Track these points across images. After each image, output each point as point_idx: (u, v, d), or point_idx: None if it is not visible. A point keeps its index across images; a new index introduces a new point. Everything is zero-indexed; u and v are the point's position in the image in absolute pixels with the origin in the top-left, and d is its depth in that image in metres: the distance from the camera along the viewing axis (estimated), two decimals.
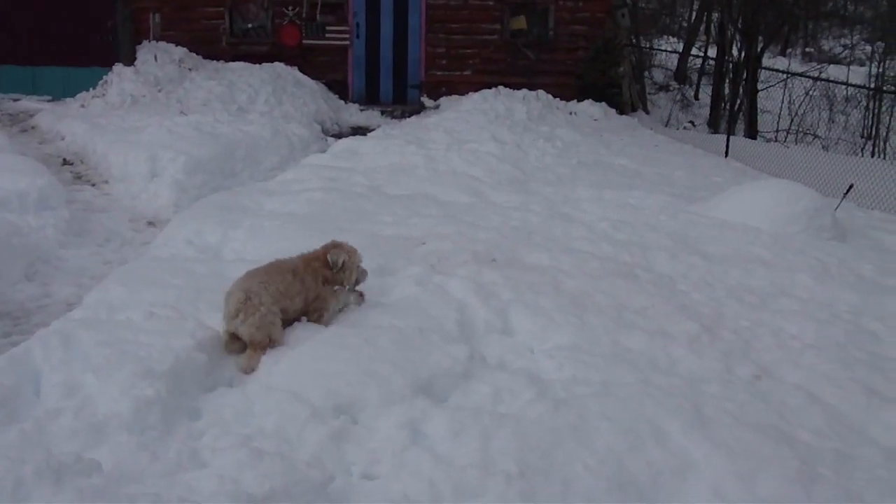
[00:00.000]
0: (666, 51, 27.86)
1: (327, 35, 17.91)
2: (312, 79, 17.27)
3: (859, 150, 21.52)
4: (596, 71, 17.73)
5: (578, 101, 17.32)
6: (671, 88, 26.42)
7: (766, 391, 5.07)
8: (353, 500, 3.94)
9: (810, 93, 22.56)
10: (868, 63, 28.98)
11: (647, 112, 20.73)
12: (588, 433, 4.33)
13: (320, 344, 5.14)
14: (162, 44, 17.36)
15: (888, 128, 22.36)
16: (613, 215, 9.10)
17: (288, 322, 5.44)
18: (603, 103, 17.32)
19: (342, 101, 17.74)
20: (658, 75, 27.27)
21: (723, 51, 24.21)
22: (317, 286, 5.62)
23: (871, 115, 23.59)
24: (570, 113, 16.81)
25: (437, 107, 17.41)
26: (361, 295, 5.97)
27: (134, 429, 4.22)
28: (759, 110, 23.08)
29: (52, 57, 17.43)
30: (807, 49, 37.18)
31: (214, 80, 16.18)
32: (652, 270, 7.33)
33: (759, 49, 23.71)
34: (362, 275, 5.89)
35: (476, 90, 17.14)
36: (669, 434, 4.39)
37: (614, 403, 4.65)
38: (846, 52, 32.78)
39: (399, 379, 4.75)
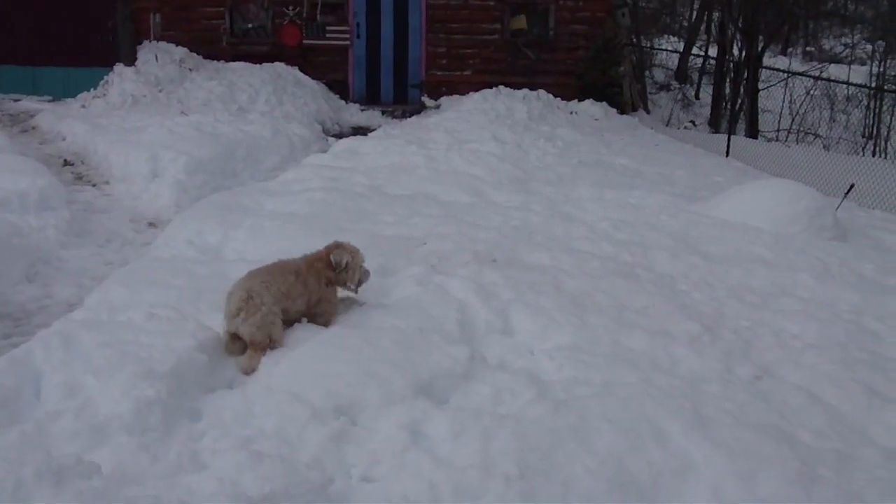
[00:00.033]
0: (666, 50, 27.84)
1: (328, 35, 17.90)
2: (313, 79, 17.27)
3: (860, 149, 21.52)
4: (596, 70, 17.73)
5: (579, 100, 17.32)
6: (672, 88, 26.41)
7: (766, 391, 5.07)
8: (353, 502, 3.94)
9: (811, 92, 22.56)
10: (869, 62, 28.96)
11: (648, 111, 20.72)
12: (588, 434, 4.33)
13: (320, 345, 5.14)
14: (162, 44, 17.36)
15: (889, 127, 22.35)
16: (614, 215, 9.09)
17: (289, 323, 5.44)
18: (604, 103, 17.32)
19: (343, 101, 17.74)
20: (659, 75, 27.26)
21: (723, 50, 24.19)
22: (320, 288, 5.62)
23: (872, 115, 23.58)
24: (571, 112, 16.81)
25: (437, 106, 17.41)
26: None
27: (134, 430, 4.22)
28: (759, 110, 23.07)
29: (53, 57, 17.43)
30: (807, 48, 37.16)
31: (215, 80, 16.18)
32: (653, 270, 7.33)
33: (759, 48, 23.69)
34: (365, 275, 5.88)
35: (476, 90, 17.14)
36: (670, 434, 4.39)
37: (615, 404, 4.65)
38: (847, 51, 32.75)
39: (399, 380, 4.75)
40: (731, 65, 23.55)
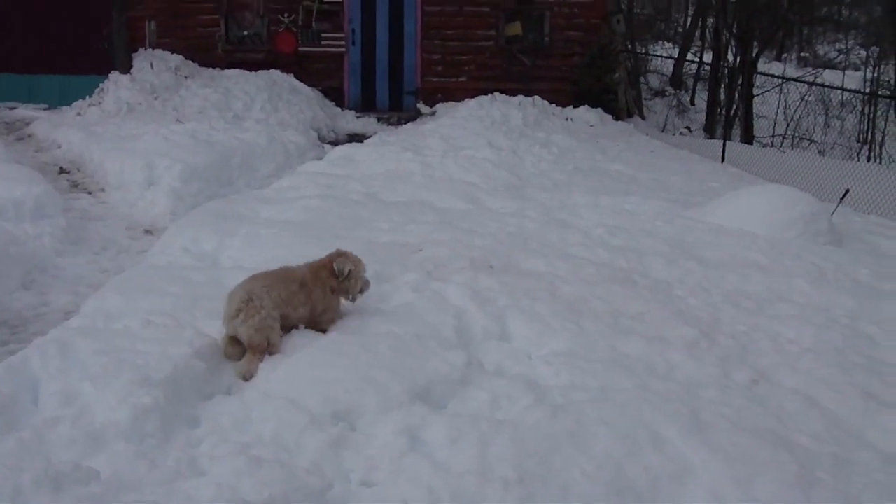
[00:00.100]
0: (661, 56, 27.92)
1: (323, 42, 17.93)
2: (308, 86, 17.28)
3: (855, 154, 21.59)
4: (591, 77, 17.78)
5: (574, 106, 17.37)
6: (667, 94, 26.49)
7: (763, 396, 5.07)
8: None
9: (806, 98, 22.65)
10: (863, 68, 29.08)
11: (643, 118, 20.78)
12: (586, 439, 4.33)
13: (318, 351, 5.14)
14: (158, 51, 17.36)
15: (884, 132, 22.43)
16: (610, 221, 9.11)
17: (288, 329, 5.45)
18: (599, 109, 17.36)
19: (338, 108, 17.75)
20: (654, 81, 27.35)
21: (718, 56, 24.26)
22: (325, 297, 5.63)
23: (866, 120, 23.67)
24: (566, 119, 16.84)
25: (433, 113, 17.43)
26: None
27: (132, 437, 4.21)
28: (754, 115, 23.16)
29: (49, 65, 17.44)
30: (802, 54, 37.32)
31: (210, 88, 16.18)
32: (648, 276, 7.34)
33: (754, 54, 23.79)
34: (365, 285, 5.89)
35: (472, 96, 17.17)
36: (667, 439, 4.39)
37: (612, 409, 4.65)
38: (841, 56, 32.87)
39: (397, 386, 4.75)
40: (726, 70, 23.64)
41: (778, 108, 23.48)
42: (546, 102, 17.09)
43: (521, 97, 17.03)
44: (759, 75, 21.95)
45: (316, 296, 5.57)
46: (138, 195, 10.40)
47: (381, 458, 4.18)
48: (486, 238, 8.08)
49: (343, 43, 17.99)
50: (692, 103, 26.50)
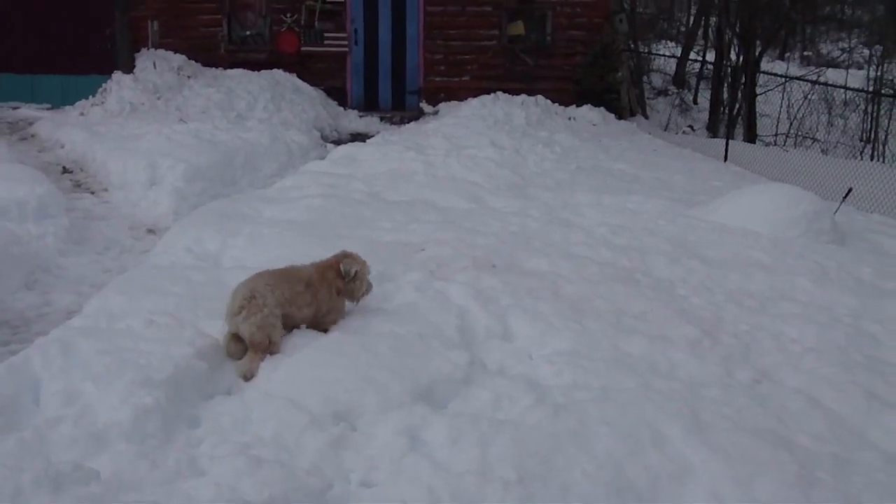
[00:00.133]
0: (664, 55, 27.88)
1: (326, 42, 17.93)
2: (311, 85, 17.28)
3: (858, 153, 21.55)
4: (594, 76, 17.76)
5: (577, 106, 17.35)
6: (670, 93, 26.46)
7: (765, 395, 5.07)
8: None
9: (809, 96, 22.62)
10: (866, 66, 29.02)
11: (646, 117, 20.76)
12: (587, 438, 4.33)
13: (318, 351, 5.14)
14: (160, 51, 17.37)
15: (887, 131, 22.39)
16: (612, 220, 9.10)
17: (291, 329, 5.46)
18: (601, 108, 17.34)
19: (341, 108, 17.74)
20: (656, 80, 27.32)
21: (721, 55, 24.25)
22: (330, 298, 5.65)
23: (869, 119, 23.63)
24: (569, 118, 16.82)
25: (435, 113, 17.42)
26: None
27: (133, 437, 4.21)
28: (757, 114, 23.13)
29: (51, 65, 17.46)
30: (805, 53, 37.25)
31: (213, 88, 16.19)
32: (651, 275, 7.33)
33: (757, 53, 23.75)
34: (368, 287, 5.91)
35: (474, 96, 17.15)
36: (668, 439, 4.39)
37: (613, 409, 4.65)
38: (844, 55, 32.81)
39: (397, 385, 4.75)
40: (729, 69, 23.60)
41: (781, 106, 23.46)
42: (549, 102, 17.07)
43: (523, 96, 17.02)
44: (762, 74, 21.91)
45: (321, 296, 5.59)
46: (141, 195, 10.40)
47: (382, 459, 4.18)
48: (489, 237, 8.08)
49: (346, 43, 17.99)
50: (695, 102, 26.47)
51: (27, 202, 8.58)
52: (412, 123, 16.61)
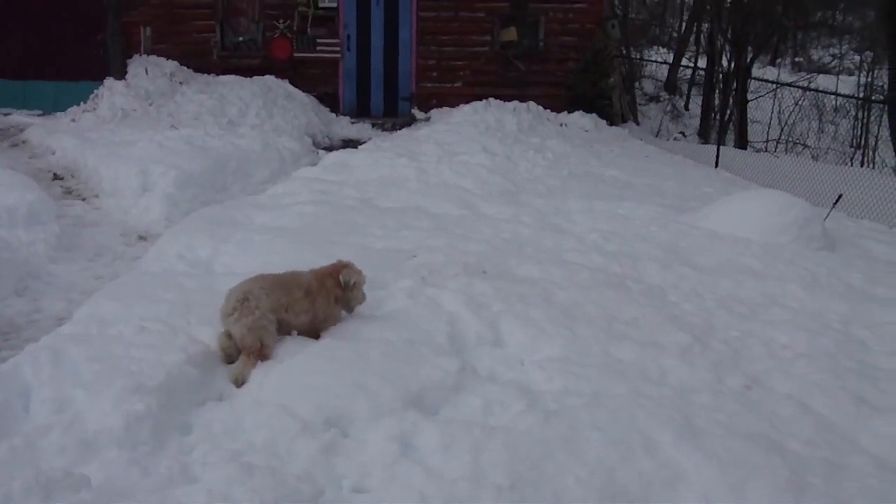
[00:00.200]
0: (656, 61, 27.98)
1: (318, 48, 17.93)
2: (303, 92, 17.27)
3: (849, 159, 21.62)
4: (586, 82, 17.79)
5: (569, 112, 17.36)
6: (661, 99, 26.52)
7: (756, 401, 5.09)
8: None
9: (800, 103, 22.69)
10: (857, 73, 29.14)
11: (638, 123, 20.81)
12: (579, 444, 4.34)
13: (310, 357, 5.14)
14: (153, 57, 17.34)
15: (877, 137, 22.45)
16: (604, 226, 9.12)
17: (288, 335, 5.47)
18: (593, 114, 17.37)
19: (333, 114, 17.74)
20: (648, 86, 27.37)
21: (712, 61, 24.33)
22: (328, 306, 5.68)
23: (860, 125, 23.70)
24: (561, 124, 16.85)
25: (427, 119, 17.43)
26: None
27: (124, 444, 4.21)
28: (748, 120, 23.19)
29: (43, 71, 17.42)
30: (796, 59, 37.40)
31: (205, 94, 16.17)
32: (642, 281, 7.35)
33: (748, 59, 23.86)
34: (363, 297, 5.94)
35: (467, 102, 17.16)
36: (660, 445, 4.40)
37: (605, 414, 4.66)
38: (835, 61, 32.96)
39: (389, 392, 4.75)
40: (721, 76, 23.69)
41: (772, 112, 23.53)
42: (540, 108, 17.08)
43: (515, 103, 17.03)
44: (753, 80, 21.99)
45: (319, 304, 5.62)
46: (133, 202, 10.38)
47: (374, 465, 4.18)
48: (481, 244, 8.08)
49: (338, 49, 17.99)
50: (686, 108, 26.54)
51: (17, 209, 8.56)
52: (404, 130, 16.61)
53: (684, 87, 27.75)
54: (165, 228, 9.16)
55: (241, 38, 18.20)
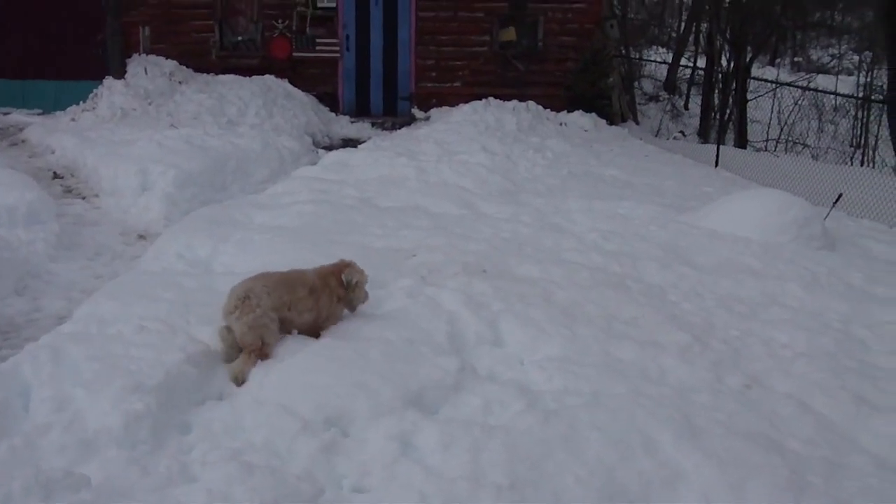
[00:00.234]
0: (655, 61, 27.96)
1: (317, 47, 17.93)
2: (303, 91, 17.26)
3: (848, 159, 21.62)
4: (585, 82, 17.79)
5: (568, 111, 17.35)
6: (661, 99, 26.52)
7: (756, 400, 5.09)
8: None
9: (799, 102, 22.68)
10: (856, 72, 29.15)
11: (637, 122, 20.81)
12: (578, 444, 4.34)
13: (310, 356, 5.14)
14: (152, 57, 17.33)
15: (877, 137, 22.45)
16: (603, 226, 9.12)
17: (291, 334, 5.47)
18: (593, 114, 17.36)
19: (332, 114, 17.73)
20: (648, 86, 27.37)
21: (712, 61, 24.33)
22: (330, 304, 5.70)
23: (859, 125, 23.71)
24: (560, 124, 16.84)
25: (427, 118, 17.43)
26: None
27: (124, 443, 4.21)
28: (748, 120, 23.19)
29: (43, 70, 17.41)
30: (795, 59, 37.41)
31: (205, 94, 16.16)
32: (642, 281, 7.34)
33: (747, 59, 23.86)
34: (365, 297, 5.95)
35: (466, 102, 17.15)
36: (660, 444, 4.40)
37: (605, 414, 4.65)
38: (834, 61, 32.96)
39: (389, 391, 4.75)
40: (720, 75, 23.69)
41: (771, 112, 23.53)
42: (540, 107, 17.08)
43: (515, 102, 17.02)
44: (752, 80, 21.99)
45: (323, 302, 5.64)
46: (132, 201, 10.37)
47: (374, 464, 4.18)
48: (481, 243, 8.08)
49: (337, 48, 17.99)
50: (686, 108, 26.54)
51: (17, 208, 8.55)
52: (403, 129, 16.60)
53: (684, 87, 27.76)
54: (165, 228, 9.16)
55: (239, 38, 18.19)
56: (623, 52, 23.10)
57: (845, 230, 9.83)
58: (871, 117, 23.06)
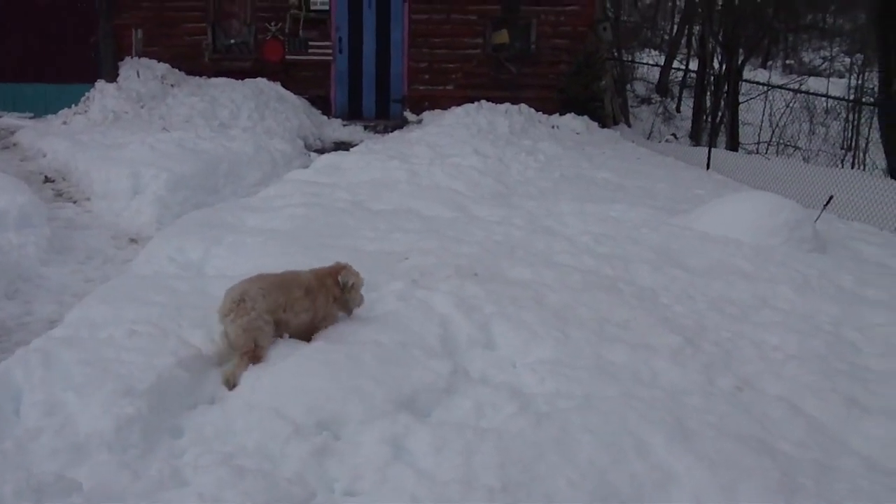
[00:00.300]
0: (648, 64, 28.03)
1: (310, 50, 17.93)
2: (295, 94, 17.25)
3: (839, 161, 21.70)
4: (578, 84, 17.81)
5: (561, 114, 17.38)
6: (653, 101, 26.59)
7: (747, 403, 5.10)
8: None
9: (791, 105, 22.76)
10: (847, 75, 29.26)
11: (629, 125, 20.85)
12: (570, 447, 4.34)
13: (302, 360, 5.13)
14: (144, 60, 17.31)
15: (867, 139, 22.54)
16: (595, 229, 9.13)
17: (283, 337, 5.47)
18: (585, 117, 17.38)
19: (325, 117, 17.73)
20: (640, 88, 27.45)
21: (704, 63, 24.40)
22: (327, 304, 5.71)
23: (850, 127, 23.80)
24: (553, 126, 16.86)
25: (419, 121, 17.43)
26: None
27: (115, 448, 4.19)
28: (740, 122, 23.24)
29: (34, 73, 17.39)
30: (787, 61, 37.52)
31: (197, 96, 16.15)
32: (634, 283, 7.35)
33: (739, 62, 23.91)
34: (361, 300, 5.95)
35: (459, 104, 17.18)
36: (652, 447, 4.41)
37: (597, 417, 4.66)
38: (826, 64, 33.06)
39: (381, 394, 4.75)
40: (712, 78, 23.76)
41: (763, 115, 23.59)
42: (532, 110, 17.10)
43: (507, 105, 17.04)
44: (744, 82, 22.03)
45: (319, 302, 5.65)
46: (124, 204, 10.36)
47: (366, 468, 4.18)
48: (473, 246, 8.08)
49: (330, 51, 17.99)
50: (678, 111, 26.62)
51: (8, 211, 8.53)
52: (396, 132, 16.62)
53: (676, 90, 27.82)
54: (156, 231, 9.14)
55: (232, 41, 18.18)
56: (615, 54, 23.15)
57: (836, 232, 9.86)
58: (862, 120, 23.15)
